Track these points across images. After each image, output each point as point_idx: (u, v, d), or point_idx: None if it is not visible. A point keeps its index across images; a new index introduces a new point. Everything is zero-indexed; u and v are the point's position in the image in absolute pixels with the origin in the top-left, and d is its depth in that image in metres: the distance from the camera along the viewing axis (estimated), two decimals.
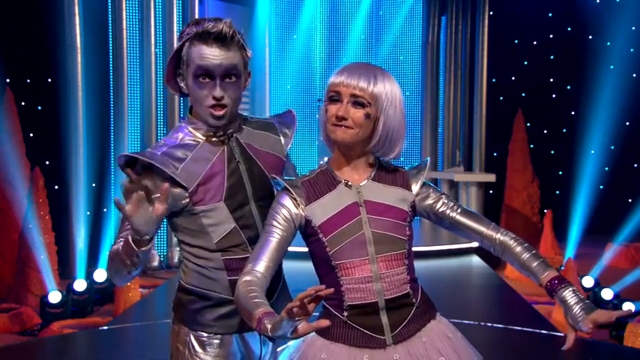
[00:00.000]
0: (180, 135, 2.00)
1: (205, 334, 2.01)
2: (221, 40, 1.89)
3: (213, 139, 2.00)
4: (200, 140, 1.99)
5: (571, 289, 1.79)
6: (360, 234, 1.81)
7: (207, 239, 1.98)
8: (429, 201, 1.92)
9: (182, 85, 1.99)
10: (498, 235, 1.92)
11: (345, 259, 1.80)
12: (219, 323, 2.01)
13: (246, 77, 2.00)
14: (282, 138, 2.15)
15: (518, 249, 1.90)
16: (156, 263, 8.42)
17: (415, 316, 1.85)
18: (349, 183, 1.87)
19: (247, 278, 1.77)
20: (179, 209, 1.95)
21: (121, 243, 1.88)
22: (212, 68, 1.89)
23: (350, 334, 1.81)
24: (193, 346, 2.00)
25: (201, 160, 1.96)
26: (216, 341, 2.01)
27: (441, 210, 1.92)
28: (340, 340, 1.81)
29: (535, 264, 1.86)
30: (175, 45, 1.99)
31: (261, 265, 1.80)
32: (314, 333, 1.85)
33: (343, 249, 1.80)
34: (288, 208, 1.85)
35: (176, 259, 8.46)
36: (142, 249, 1.83)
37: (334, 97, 1.81)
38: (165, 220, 1.93)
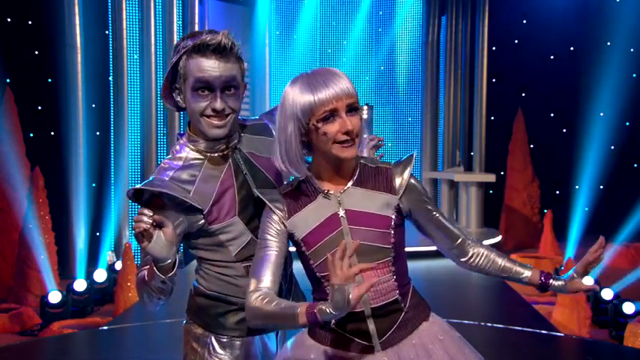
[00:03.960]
0: (183, 155, 1.97)
1: (226, 337, 2.01)
2: (220, 51, 1.86)
3: (217, 154, 1.98)
4: (204, 157, 1.97)
5: (555, 276, 1.92)
6: None
7: (226, 253, 1.98)
8: (410, 195, 1.86)
9: (178, 99, 1.95)
10: (475, 247, 1.93)
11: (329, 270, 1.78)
12: (242, 326, 2.01)
13: (243, 89, 1.98)
14: None
15: (493, 255, 1.93)
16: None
17: (405, 321, 1.83)
18: (329, 192, 1.82)
19: (258, 294, 1.74)
20: (195, 230, 1.94)
21: (146, 271, 1.88)
22: (211, 80, 1.86)
23: (337, 339, 1.80)
24: (214, 347, 2.00)
25: (210, 179, 1.94)
26: (238, 342, 2.01)
27: (418, 210, 1.87)
28: (327, 343, 1.81)
29: (516, 267, 1.92)
30: (172, 55, 1.95)
31: (266, 280, 1.77)
32: (305, 331, 1.86)
33: (326, 261, 1.75)
34: (275, 222, 1.83)
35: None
36: (168, 275, 1.83)
37: (328, 115, 1.73)
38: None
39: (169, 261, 1.81)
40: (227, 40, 1.87)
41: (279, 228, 1.82)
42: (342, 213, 1.80)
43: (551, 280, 1.89)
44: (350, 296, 1.53)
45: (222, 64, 1.87)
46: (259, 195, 1.88)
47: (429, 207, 1.88)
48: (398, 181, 1.85)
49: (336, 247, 1.71)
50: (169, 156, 2.01)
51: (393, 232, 1.81)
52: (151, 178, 1.92)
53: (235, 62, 1.91)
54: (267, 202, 1.84)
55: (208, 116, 1.90)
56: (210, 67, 1.86)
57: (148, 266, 1.88)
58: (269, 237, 1.82)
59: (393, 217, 1.82)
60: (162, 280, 1.82)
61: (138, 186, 1.89)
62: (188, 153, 1.98)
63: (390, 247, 1.80)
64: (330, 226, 1.79)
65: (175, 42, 8.98)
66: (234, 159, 2.00)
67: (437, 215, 1.89)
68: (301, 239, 1.80)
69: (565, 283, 1.89)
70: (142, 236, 1.74)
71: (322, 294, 1.80)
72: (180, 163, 1.95)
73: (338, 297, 1.54)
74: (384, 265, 1.80)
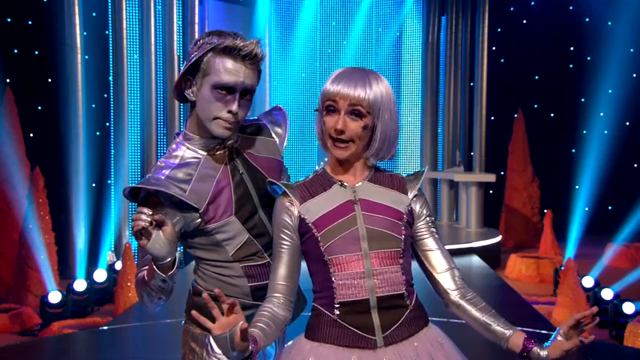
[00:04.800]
0: (180, 153, 1.98)
1: None
2: (250, 58, 1.89)
3: (214, 153, 1.99)
4: (200, 156, 1.97)
5: (540, 345, 1.81)
6: (353, 229, 1.81)
7: (223, 252, 1.98)
8: (420, 207, 1.91)
9: (189, 91, 1.95)
10: (464, 285, 1.91)
11: (338, 254, 1.80)
12: None
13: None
14: (276, 139, 2.14)
15: (480, 301, 1.90)
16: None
17: (408, 320, 1.83)
18: (344, 183, 1.87)
19: (263, 308, 1.82)
20: (191, 229, 1.95)
21: (145, 270, 1.88)
22: (236, 84, 1.89)
23: (339, 334, 1.80)
24: (212, 347, 1.99)
25: (207, 178, 1.95)
26: None
27: (421, 224, 1.91)
28: (329, 340, 1.80)
29: (500, 322, 1.87)
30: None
31: (278, 288, 1.84)
32: (302, 336, 1.86)
33: (336, 244, 1.80)
34: (286, 213, 1.86)
35: None
36: (168, 273, 1.84)
37: (331, 108, 1.81)
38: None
39: (169, 259, 1.82)
40: (259, 50, 1.90)
41: (291, 218, 1.85)
42: (356, 200, 1.85)
43: (534, 348, 1.79)
44: (235, 337, 1.59)
45: (247, 71, 1.90)
46: (274, 183, 1.90)
47: (431, 224, 1.92)
48: (410, 186, 1.92)
49: (347, 231, 1.80)
50: (166, 155, 2.01)
51: (403, 225, 1.85)
52: (147, 177, 1.92)
53: (257, 72, 1.94)
54: (281, 185, 1.88)
55: (222, 118, 1.91)
56: (238, 71, 1.88)
57: (147, 267, 1.89)
58: (283, 235, 1.86)
59: (405, 214, 1.87)
60: (162, 278, 1.83)
61: (134, 184, 1.89)
62: (184, 152, 1.98)
63: (400, 237, 1.83)
64: (344, 211, 1.84)
65: (175, 42, 8.92)
66: (231, 159, 2.01)
67: (435, 235, 1.92)
68: (312, 222, 1.83)
69: (548, 353, 1.78)
70: (141, 235, 1.75)
71: (324, 281, 1.82)
72: (177, 161, 1.96)
73: (221, 345, 1.61)
74: (393, 255, 1.82)
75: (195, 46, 1.93)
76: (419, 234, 1.91)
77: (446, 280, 1.90)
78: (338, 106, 1.79)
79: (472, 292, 1.91)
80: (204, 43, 1.91)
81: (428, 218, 1.92)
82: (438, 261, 1.91)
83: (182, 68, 1.96)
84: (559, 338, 1.77)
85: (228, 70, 1.88)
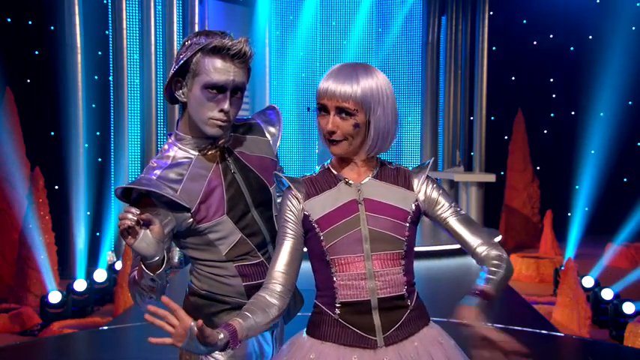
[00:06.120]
0: (171, 153, 1.98)
1: None
2: (239, 57, 1.90)
3: (206, 153, 1.99)
4: (192, 156, 1.98)
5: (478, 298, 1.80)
6: (356, 230, 1.80)
7: (216, 252, 1.99)
8: (430, 193, 1.90)
9: (179, 92, 1.96)
10: (487, 258, 1.88)
11: (340, 254, 1.80)
12: None
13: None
14: (269, 138, 2.14)
15: (497, 270, 1.86)
16: (176, 260, 8.35)
17: (408, 320, 1.84)
18: (349, 181, 1.86)
19: (256, 296, 1.82)
20: (184, 229, 1.95)
21: (136, 270, 1.89)
22: (226, 83, 1.89)
23: (340, 333, 1.80)
24: None
25: (198, 178, 1.95)
26: None
27: (438, 209, 1.90)
28: (330, 339, 1.81)
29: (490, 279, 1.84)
30: (175, 49, 1.97)
31: (276, 275, 1.83)
32: (304, 334, 1.86)
33: (338, 244, 1.80)
34: (291, 206, 1.86)
35: (176, 259, 8.45)
36: (157, 272, 1.84)
37: (322, 108, 1.81)
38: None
39: (157, 258, 1.82)
40: (248, 48, 1.91)
41: (296, 210, 1.85)
42: (360, 200, 1.84)
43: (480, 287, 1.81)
44: (195, 333, 1.61)
45: (237, 69, 1.91)
46: (281, 176, 1.90)
47: (444, 210, 1.90)
48: (416, 180, 1.91)
49: (349, 232, 1.79)
50: (158, 155, 2.02)
51: (408, 225, 1.84)
52: (139, 178, 1.93)
53: (247, 70, 1.95)
54: (289, 181, 1.87)
55: (214, 118, 1.92)
56: (227, 70, 1.89)
57: (137, 267, 1.89)
58: (286, 225, 1.86)
59: (411, 212, 1.85)
60: (150, 277, 1.84)
61: (125, 185, 1.90)
62: (176, 152, 1.99)
63: (403, 239, 1.83)
64: (347, 211, 1.83)
65: (175, 42, 8.88)
66: (223, 158, 2.01)
67: (450, 220, 1.90)
68: (315, 220, 1.83)
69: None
70: (128, 233, 1.76)
71: (326, 280, 1.82)
72: (168, 161, 1.97)
73: (190, 349, 1.65)
74: (395, 256, 1.82)
75: (184, 47, 1.93)
76: (441, 219, 1.90)
77: (477, 258, 1.90)
78: (327, 107, 1.79)
79: (498, 261, 1.87)
80: (193, 44, 1.91)
81: (441, 199, 1.90)
82: (466, 241, 1.90)
83: (171, 70, 1.96)
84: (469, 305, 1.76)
85: (218, 69, 1.88)
